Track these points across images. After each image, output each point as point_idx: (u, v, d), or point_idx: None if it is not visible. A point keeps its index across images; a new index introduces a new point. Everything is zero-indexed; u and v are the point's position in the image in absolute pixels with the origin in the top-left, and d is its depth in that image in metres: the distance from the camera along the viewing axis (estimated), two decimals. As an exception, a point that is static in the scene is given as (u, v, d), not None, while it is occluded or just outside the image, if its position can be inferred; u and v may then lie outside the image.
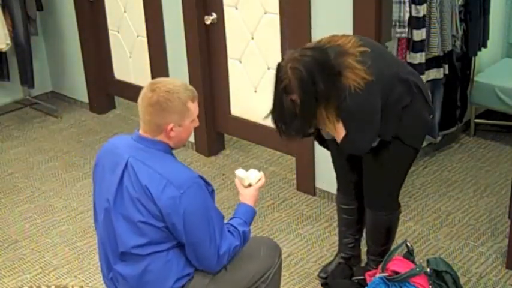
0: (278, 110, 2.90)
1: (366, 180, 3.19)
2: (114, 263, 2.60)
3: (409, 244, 3.18)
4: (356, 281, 3.38)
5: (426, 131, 3.15)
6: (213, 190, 2.58)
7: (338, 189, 3.41)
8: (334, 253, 3.64)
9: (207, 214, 2.48)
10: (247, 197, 2.74)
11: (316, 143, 3.43)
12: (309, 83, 2.72)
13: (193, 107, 2.53)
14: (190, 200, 2.44)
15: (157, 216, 2.46)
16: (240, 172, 2.78)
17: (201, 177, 2.53)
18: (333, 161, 3.35)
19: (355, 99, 2.77)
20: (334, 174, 3.83)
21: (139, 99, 2.52)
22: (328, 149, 3.29)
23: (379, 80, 2.81)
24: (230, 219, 2.68)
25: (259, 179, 2.78)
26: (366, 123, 2.86)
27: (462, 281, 3.33)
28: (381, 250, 3.32)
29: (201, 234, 2.47)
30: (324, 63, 2.74)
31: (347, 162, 3.23)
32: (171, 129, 2.49)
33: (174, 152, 2.61)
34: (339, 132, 2.89)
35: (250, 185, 2.77)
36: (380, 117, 2.87)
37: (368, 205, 3.25)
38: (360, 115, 2.83)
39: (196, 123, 2.59)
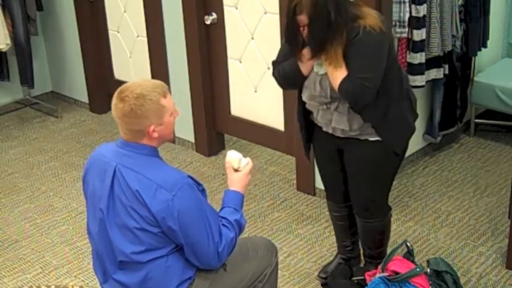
0: (290, 32, 2.80)
1: (352, 190, 3.18)
2: (114, 273, 2.58)
3: (409, 244, 3.18)
4: (356, 281, 3.38)
5: (408, 135, 3.09)
6: (203, 189, 2.55)
7: (327, 198, 3.40)
8: (334, 253, 3.64)
9: (201, 213, 2.47)
10: (234, 181, 2.68)
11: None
12: (323, 7, 2.67)
13: (167, 102, 2.47)
14: (183, 201, 2.42)
15: (152, 222, 2.44)
16: (232, 153, 2.70)
17: (191, 177, 2.51)
18: (320, 171, 3.34)
19: (368, 36, 2.74)
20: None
21: (113, 112, 2.48)
22: (308, 158, 3.29)
23: (389, 37, 2.85)
24: (220, 210, 2.64)
25: (247, 163, 2.71)
26: (373, 63, 2.79)
27: (462, 281, 3.33)
28: (376, 253, 3.33)
29: (198, 234, 2.46)
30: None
31: (334, 171, 3.22)
32: (153, 131, 2.46)
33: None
34: (340, 72, 2.78)
35: (237, 170, 2.69)
36: (383, 71, 2.81)
37: (357, 214, 3.25)
38: (370, 52, 2.77)
39: (177, 114, 2.54)
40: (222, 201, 2.68)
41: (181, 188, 2.43)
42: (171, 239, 2.49)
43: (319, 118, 3.05)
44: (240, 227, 2.61)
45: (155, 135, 2.47)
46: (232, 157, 2.69)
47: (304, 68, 2.92)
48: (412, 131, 3.09)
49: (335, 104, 2.93)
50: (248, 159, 2.72)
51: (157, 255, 2.51)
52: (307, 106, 3.09)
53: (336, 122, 2.97)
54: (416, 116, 3.10)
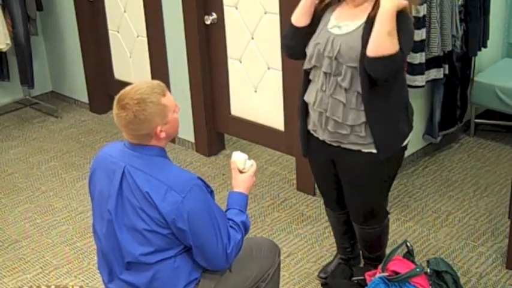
0: None
1: (348, 199, 3.16)
2: (120, 273, 2.57)
3: (409, 244, 3.18)
4: (356, 281, 3.38)
5: (401, 144, 3.00)
6: (212, 191, 2.56)
7: (325, 204, 3.37)
8: (334, 253, 3.64)
9: (210, 214, 2.46)
10: (239, 182, 2.67)
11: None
12: None
13: (168, 100, 2.46)
14: (193, 203, 2.42)
15: (162, 224, 2.44)
16: (238, 154, 2.70)
17: (200, 178, 2.51)
18: (315, 179, 3.32)
19: (409, 19, 2.78)
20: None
21: (116, 121, 2.47)
22: (305, 155, 3.21)
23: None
24: (225, 211, 2.63)
25: (252, 165, 2.71)
26: (410, 41, 2.79)
27: (462, 281, 3.33)
28: (375, 256, 3.32)
29: (207, 235, 2.46)
30: None
31: (328, 181, 3.18)
32: (161, 131, 2.46)
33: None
34: (395, 40, 2.70)
35: (241, 172, 2.69)
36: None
37: (354, 220, 3.23)
38: (410, 31, 2.78)
39: (178, 109, 2.53)
40: (227, 202, 2.68)
41: (191, 189, 2.43)
42: (180, 241, 2.48)
43: (315, 107, 2.95)
44: (245, 228, 2.62)
45: (163, 135, 2.47)
46: (238, 158, 2.68)
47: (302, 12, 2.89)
48: (404, 138, 2.99)
49: (334, 80, 2.84)
50: (252, 161, 2.72)
51: (166, 256, 2.50)
52: (305, 97, 3.01)
53: (330, 111, 2.89)
54: (411, 128, 3.03)
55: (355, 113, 2.87)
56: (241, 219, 2.60)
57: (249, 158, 2.72)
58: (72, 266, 3.77)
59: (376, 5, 2.75)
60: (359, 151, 2.94)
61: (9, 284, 3.65)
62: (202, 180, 2.51)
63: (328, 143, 3.00)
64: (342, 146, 2.96)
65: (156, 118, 2.43)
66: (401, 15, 2.72)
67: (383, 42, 2.67)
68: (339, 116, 2.88)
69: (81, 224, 4.13)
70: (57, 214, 4.28)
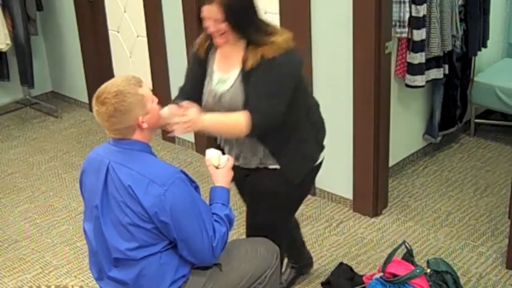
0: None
1: (247, 214, 3.03)
2: (109, 270, 2.58)
3: (407, 245, 3.18)
4: (357, 288, 3.37)
5: (309, 165, 2.89)
6: (196, 186, 2.56)
7: None
8: (335, 253, 3.64)
9: (194, 207, 2.47)
10: (218, 177, 2.69)
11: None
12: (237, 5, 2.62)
13: (145, 91, 2.49)
14: (175, 196, 2.42)
15: (145, 218, 2.44)
16: (211, 152, 2.73)
17: (184, 173, 2.52)
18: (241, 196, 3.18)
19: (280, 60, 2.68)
20: (334, 174, 3.83)
21: (97, 118, 2.47)
22: None
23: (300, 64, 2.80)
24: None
25: (227, 160, 2.72)
26: (279, 88, 2.65)
27: (462, 281, 3.33)
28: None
29: (191, 229, 2.46)
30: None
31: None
32: (142, 122, 2.47)
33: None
34: (237, 114, 2.63)
35: (217, 168, 2.71)
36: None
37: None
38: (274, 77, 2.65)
39: (156, 100, 2.55)
40: (210, 197, 2.68)
41: (174, 182, 2.43)
42: (164, 235, 2.49)
43: (222, 144, 2.94)
44: (230, 221, 2.62)
45: (145, 125, 2.49)
46: (212, 155, 2.72)
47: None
48: (314, 163, 2.90)
49: None
50: (227, 156, 2.74)
51: (151, 252, 2.51)
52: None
53: (238, 148, 2.85)
54: (322, 148, 2.91)
55: (263, 147, 2.81)
56: (224, 212, 2.61)
57: (223, 153, 2.74)
58: (72, 266, 3.78)
59: (246, 49, 2.68)
60: (265, 168, 2.86)
61: (9, 284, 3.66)
62: (186, 175, 2.52)
63: (242, 167, 2.91)
64: (250, 167, 2.89)
65: (136, 108, 2.45)
66: (263, 60, 2.63)
67: (230, 131, 2.70)
68: (247, 153, 2.84)
69: (81, 224, 4.11)
70: (57, 214, 4.28)
